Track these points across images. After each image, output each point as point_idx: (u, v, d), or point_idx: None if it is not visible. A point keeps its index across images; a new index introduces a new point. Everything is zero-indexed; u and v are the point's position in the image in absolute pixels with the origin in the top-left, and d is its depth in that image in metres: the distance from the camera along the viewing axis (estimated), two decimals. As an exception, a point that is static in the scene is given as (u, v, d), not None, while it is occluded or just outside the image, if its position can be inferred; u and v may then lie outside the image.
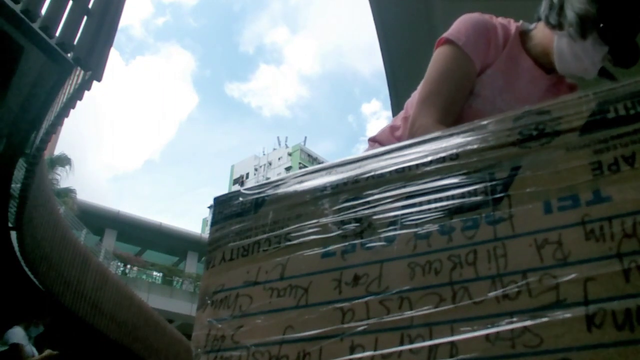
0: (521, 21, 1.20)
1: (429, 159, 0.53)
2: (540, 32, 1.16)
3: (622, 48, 1.04)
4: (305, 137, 51.48)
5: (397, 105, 3.30)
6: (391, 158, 0.57)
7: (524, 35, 1.19)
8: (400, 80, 2.86)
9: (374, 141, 1.27)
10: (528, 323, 0.39)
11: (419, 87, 1.17)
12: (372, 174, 0.57)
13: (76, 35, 4.53)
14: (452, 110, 1.08)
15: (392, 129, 1.25)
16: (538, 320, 0.39)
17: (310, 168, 0.64)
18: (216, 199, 0.70)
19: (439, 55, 1.13)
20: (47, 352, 4.44)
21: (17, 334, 4.27)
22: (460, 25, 1.13)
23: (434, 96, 1.09)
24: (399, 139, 1.17)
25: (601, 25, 1.01)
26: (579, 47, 1.05)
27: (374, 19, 2.36)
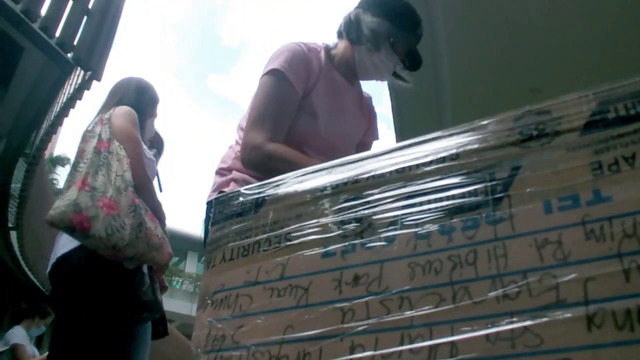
0: (323, 42, 1.38)
1: (429, 158, 0.53)
2: (341, 48, 1.35)
3: (408, 56, 1.32)
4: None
5: (396, 104, 3.29)
6: (391, 158, 0.57)
7: (329, 53, 1.36)
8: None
9: (229, 170, 1.27)
10: (528, 323, 0.39)
11: (247, 113, 1.26)
12: (372, 173, 0.57)
13: (76, 35, 4.52)
14: (280, 130, 1.19)
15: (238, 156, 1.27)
16: (538, 320, 0.39)
17: (310, 168, 0.64)
18: (216, 199, 0.70)
19: (264, 82, 1.23)
20: (48, 352, 4.43)
21: (18, 334, 4.27)
22: (282, 54, 1.25)
23: (262, 118, 1.19)
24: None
25: (390, 39, 1.26)
26: (376, 58, 1.28)
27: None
